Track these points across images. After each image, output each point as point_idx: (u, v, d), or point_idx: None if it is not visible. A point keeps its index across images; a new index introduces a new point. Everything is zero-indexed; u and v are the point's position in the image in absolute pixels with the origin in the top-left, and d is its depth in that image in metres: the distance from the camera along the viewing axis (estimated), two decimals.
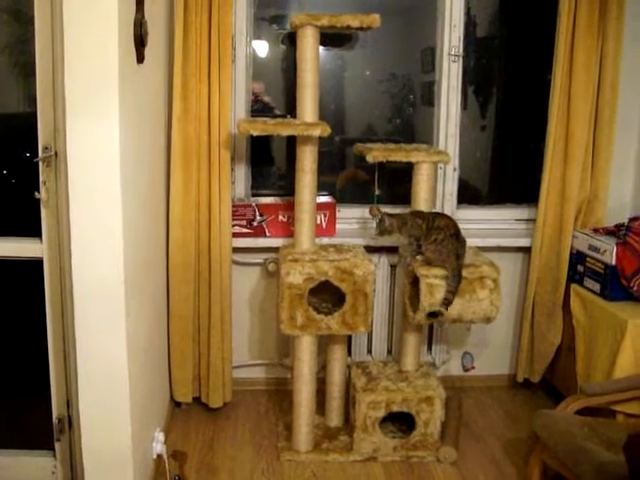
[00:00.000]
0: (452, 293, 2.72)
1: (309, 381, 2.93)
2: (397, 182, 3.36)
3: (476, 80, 3.58)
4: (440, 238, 2.77)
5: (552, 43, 3.22)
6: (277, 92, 3.57)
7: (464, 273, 2.75)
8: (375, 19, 2.77)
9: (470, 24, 3.47)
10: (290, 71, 3.47)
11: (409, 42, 3.59)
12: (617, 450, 2.29)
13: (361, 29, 2.84)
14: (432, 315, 2.77)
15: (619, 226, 3.12)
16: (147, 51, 2.48)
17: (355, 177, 3.63)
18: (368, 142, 3.15)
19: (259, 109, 3.47)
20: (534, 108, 3.53)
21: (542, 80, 3.42)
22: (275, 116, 3.43)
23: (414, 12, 3.58)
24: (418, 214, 2.87)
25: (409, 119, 3.69)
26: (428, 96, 3.59)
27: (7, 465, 2.65)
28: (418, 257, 2.84)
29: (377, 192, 3.12)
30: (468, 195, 3.62)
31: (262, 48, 3.46)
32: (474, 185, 3.71)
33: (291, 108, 3.45)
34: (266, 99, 3.51)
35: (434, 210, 2.99)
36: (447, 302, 2.72)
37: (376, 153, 2.88)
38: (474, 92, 3.60)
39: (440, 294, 2.72)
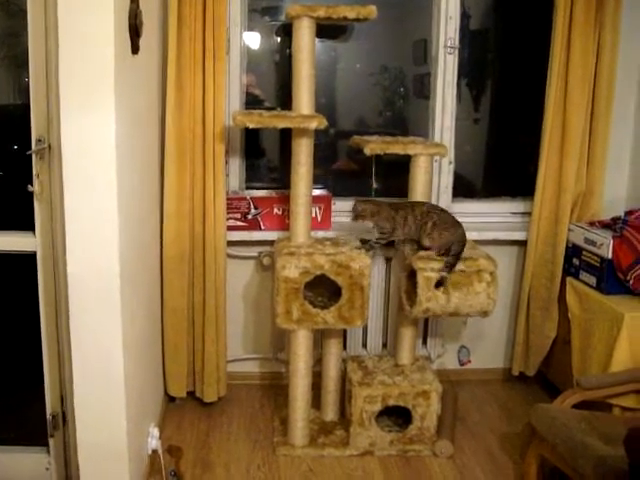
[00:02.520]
0: (457, 257, 2.75)
1: (305, 375, 2.91)
2: (393, 175, 3.33)
3: (470, 72, 3.56)
4: (435, 220, 2.79)
5: (547, 34, 3.21)
6: (268, 85, 3.54)
7: (462, 267, 2.74)
8: (372, 10, 2.74)
9: (465, 16, 3.45)
10: (282, 63, 3.45)
11: (401, 34, 3.57)
12: (615, 444, 2.28)
13: (357, 20, 2.81)
14: (438, 285, 2.75)
15: (615, 219, 3.11)
16: (142, 42, 2.44)
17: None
18: (359, 134, 3.12)
19: (249, 101, 3.44)
20: (529, 101, 3.52)
21: (537, 72, 3.40)
22: (266, 109, 3.40)
23: (406, 3, 3.56)
24: (395, 206, 2.87)
25: (401, 112, 3.68)
26: (420, 88, 3.57)
27: (0, 461, 2.62)
28: (422, 253, 2.83)
29: (374, 185, 3.10)
30: (463, 188, 3.60)
31: (254, 40, 3.43)
32: (469, 178, 3.70)
33: (282, 101, 3.43)
34: (256, 91, 3.48)
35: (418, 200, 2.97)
36: (451, 265, 2.73)
37: (373, 146, 2.86)
38: (468, 84, 3.59)
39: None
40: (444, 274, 2.72)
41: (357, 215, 2.88)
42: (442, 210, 2.89)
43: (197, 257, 3.14)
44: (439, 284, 2.74)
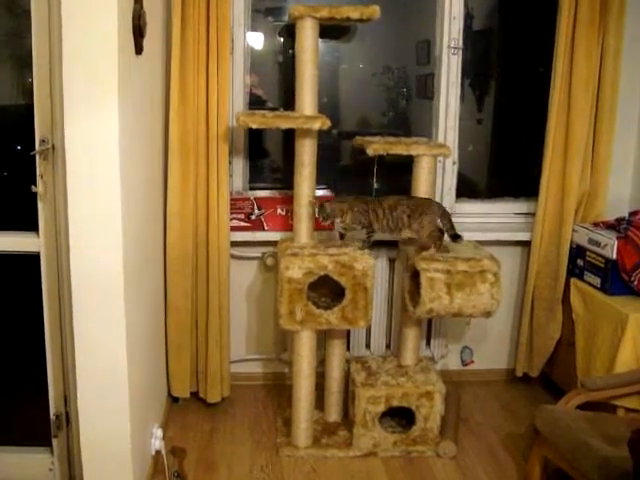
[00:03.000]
0: (450, 223, 2.87)
1: (308, 376, 2.90)
2: (398, 175, 3.33)
3: (474, 73, 3.56)
4: (407, 211, 2.80)
5: (551, 35, 3.20)
6: (271, 85, 3.54)
7: (465, 267, 2.73)
8: (375, 10, 2.74)
9: (468, 17, 3.45)
10: (285, 64, 3.45)
11: (404, 34, 3.57)
12: (619, 445, 2.28)
13: (361, 21, 2.81)
14: (455, 237, 2.85)
15: (619, 220, 3.11)
16: (145, 42, 2.44)
17: None
18: (362, 135, 3.10)
19: (252, 102, 3.44)
20: (532, 101, 3.52)
21: (540, 73, 3.41)
22: (269, 109, 3.40)
23: (410, 4, 3.55)
24: (363, 200, 2.86)
25: (404, 112, 3.67)
26: (424, 89, 3.57)
27: (4, 462, 2.62)
28: (424, 253, 2.82)
29: (375, 185, 3.10)
30: (467, 189, 3.60)
31: (257, 40, 3.43)
32: (473, 179, 3.69)
33: (285, 101, 3.43)
34: (259, 92, 3.48)
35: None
36: (453, 228, 2.85)
37: (376, 146, 2.85)
38: (472, 85, 3.58)
39: (439, 288, 2.71)
40: (455, 233, 2.84)
41: (326, 216, 2.84)
42: (409, 197, 2.88)
43: (200, 257, 3.13)
44: (456, 237, 2.83)
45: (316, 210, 2.84)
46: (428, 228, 2.80)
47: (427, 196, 2.92)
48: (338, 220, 2.85)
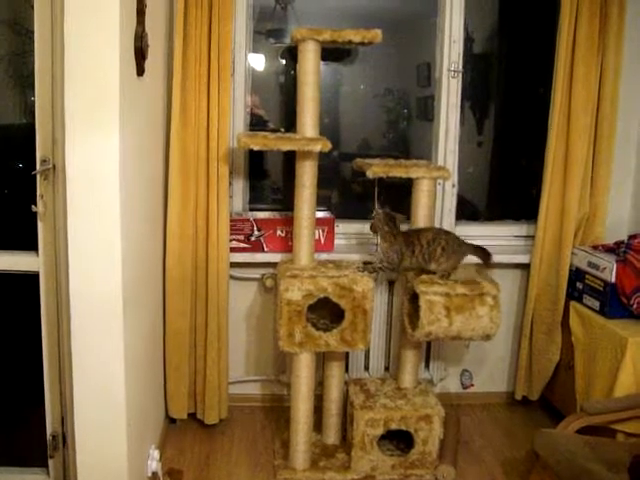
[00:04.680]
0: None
1: (307, 398, 2.89)
2: (399, 197, 3.33)
3: (473, 96, 3.58)
4: (443, 245, 2.78)
5: (551, 58, 3.22)
6: (272, 106, 3.56)
7: (464, 290, 2.73)
8: (377, 35, 2.75)
9: (468, 40, 3.47)
10: (286, 85, 3.46)
11: (405, 57, 3.59)
12: (619, 470, 2.27)
13: (362, 44, 2.82)
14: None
15: (619, 243, 3.11)
16: (147, 64, 2.46)
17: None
18: (362, 157, 3.11)
19: (253, 123, 3.46)
20: (532, 124, 3.53)
21: (540, 96, 3.42)
22: (270, 130, 3.42)
23: (411, 27, 3.57)
24: (406, 239, 2.82)
25: (404, 134, 3.69)
26: (424, 111, 3.58)
27: None
28: (424, 276, 2.81)
29: (378, 208, 3.09)
30: (467, 211, 3.60)
31: (259, 62, 3.45)
32: (472, 201, 3.70)
33: (286, 122, 3.45)
34: (260, 113, 3.50)
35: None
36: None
37: (376, 169, 2.86)
38: (472, 108, 3.60)
39: (439, 311, 2.71)
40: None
41: (375, 228, 2.83)
42: (447, 232, 2.88)
43: (200, 278, 3.13)
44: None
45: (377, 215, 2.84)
46: (450, 265, 2.80)
47: (427, 218, 2.92)
48: (378, 238, 2.84)
